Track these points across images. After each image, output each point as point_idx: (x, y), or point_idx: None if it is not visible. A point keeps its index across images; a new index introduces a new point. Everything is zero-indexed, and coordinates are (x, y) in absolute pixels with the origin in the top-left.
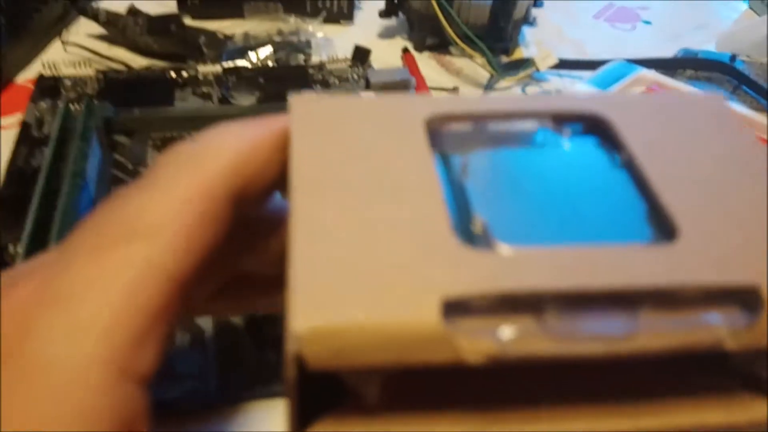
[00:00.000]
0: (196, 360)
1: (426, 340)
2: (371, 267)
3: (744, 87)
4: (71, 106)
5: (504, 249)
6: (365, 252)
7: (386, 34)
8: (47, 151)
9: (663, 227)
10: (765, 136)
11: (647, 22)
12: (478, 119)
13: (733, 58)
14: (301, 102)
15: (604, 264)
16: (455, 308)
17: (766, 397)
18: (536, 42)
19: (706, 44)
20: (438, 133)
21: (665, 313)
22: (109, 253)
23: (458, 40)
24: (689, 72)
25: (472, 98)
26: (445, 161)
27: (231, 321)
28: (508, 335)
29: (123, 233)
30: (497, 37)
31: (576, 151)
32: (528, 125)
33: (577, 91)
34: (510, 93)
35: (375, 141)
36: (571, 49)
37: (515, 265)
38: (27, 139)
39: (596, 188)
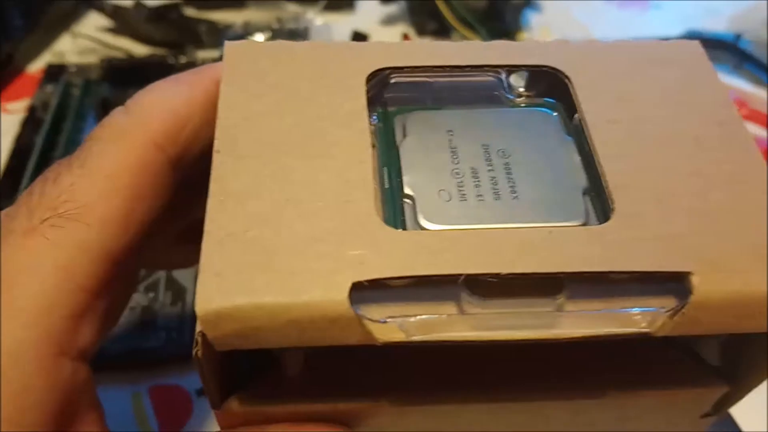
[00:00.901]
0: (175, 314)
1: (332, 322)
2: (285, 243)
3: (746, 65)
4: (73, 87)
5: (428, 228)
6: (281, 226)
7: (387, 20)
8: (44, 125)
9: (600, 205)
10: (766, 111)
11: (658, 6)
12: (427, 73)
13: (737, 37)
14: (235, 49)
15: (529, 247)
16: (368, 290)
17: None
18: (541, 25)
19: (717, 28)
20: (381, 88)
21: (590, 299)
22: (39, 238)
23: (457, 25)
24: None
25: (424, 47)
26: (384, 120)
27: None
28: (420, 320)
29: (53, 215)
30: (497, 20)
31: (528, 113)
32: (480, 81)
33: (543, 41)
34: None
35: (309, 95)
36: (578, 33)
37: (437, 246)
38: (32, 121)
39: (539, 159)
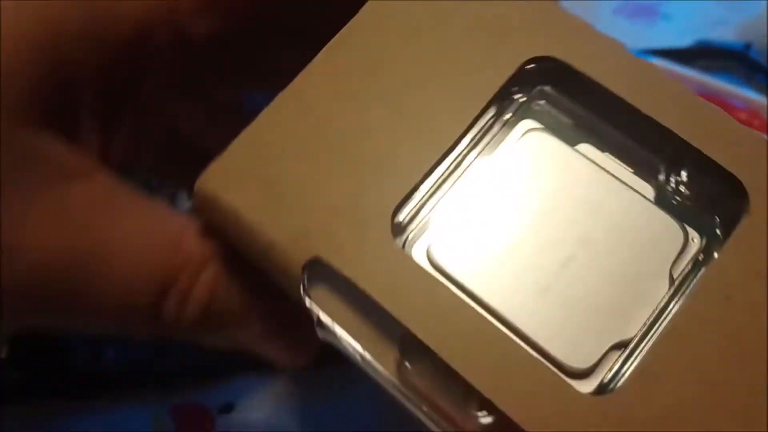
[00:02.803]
0: None
1: (280, 273)
2: (295, 185)
3: (757, 75)
4: None
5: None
6: (302, 170)
7: None
8: None
9: None
10: None
11: (667, 17)
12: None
13: (747, 46)
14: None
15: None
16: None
17: None
18: None
19: (726, 38)
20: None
21: None
22: None
23: None
24: (703, 62)
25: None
26: (482, 133)
27: None
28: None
29: None
30: None
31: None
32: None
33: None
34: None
35: (430, 66)
36: None
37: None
38: None
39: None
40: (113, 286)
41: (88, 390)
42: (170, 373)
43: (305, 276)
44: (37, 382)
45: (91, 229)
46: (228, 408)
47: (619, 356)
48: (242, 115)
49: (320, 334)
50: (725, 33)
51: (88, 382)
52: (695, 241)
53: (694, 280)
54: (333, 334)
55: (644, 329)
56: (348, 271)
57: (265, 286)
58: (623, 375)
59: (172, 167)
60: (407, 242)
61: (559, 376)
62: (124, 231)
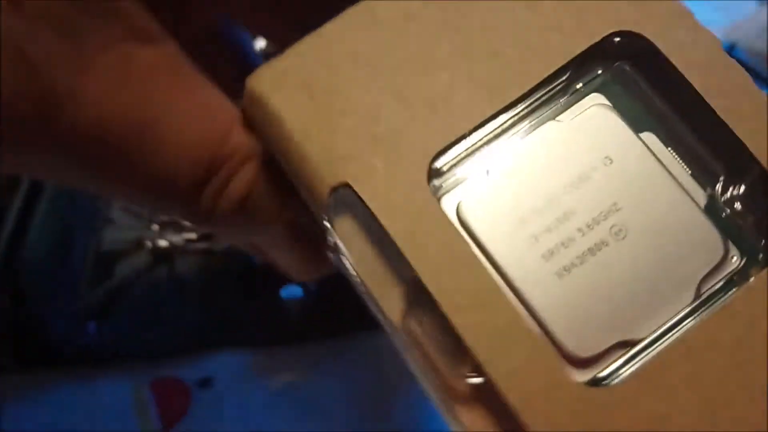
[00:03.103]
0: (175, 308)
1: (306, 176)
2: (343, 104)
3: None
4: None
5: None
6: (355, 91)
7: None
8: None
9: None
10: None
11: None
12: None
13: (731, 47)
14: None
15: None
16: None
17: None
18: None
19: None
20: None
21: None
22: None
23: None
24: None
25: None
26: (547, 97)
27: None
28: None
29: None
30: None
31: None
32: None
33: None
34: None
35: (513, 13)
36: None
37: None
38: None
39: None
40: (161, 163)
41: (68, 363)
42: (150, 347)
43: (331, 199)
44: (19, 355)
45: (152, 100)
46: (206, 383)
47: (623, 354)
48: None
49: (333, 260)
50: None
51: (69, 355)
52: (734, 260)
53: (722, 299)
54: (344, 263)
55: (656, 335)
56: (373, 204)
57: (295, 194)
58: (621, 374)
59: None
60: (441, 190)
61: (556, 359)
62: (182, 110)
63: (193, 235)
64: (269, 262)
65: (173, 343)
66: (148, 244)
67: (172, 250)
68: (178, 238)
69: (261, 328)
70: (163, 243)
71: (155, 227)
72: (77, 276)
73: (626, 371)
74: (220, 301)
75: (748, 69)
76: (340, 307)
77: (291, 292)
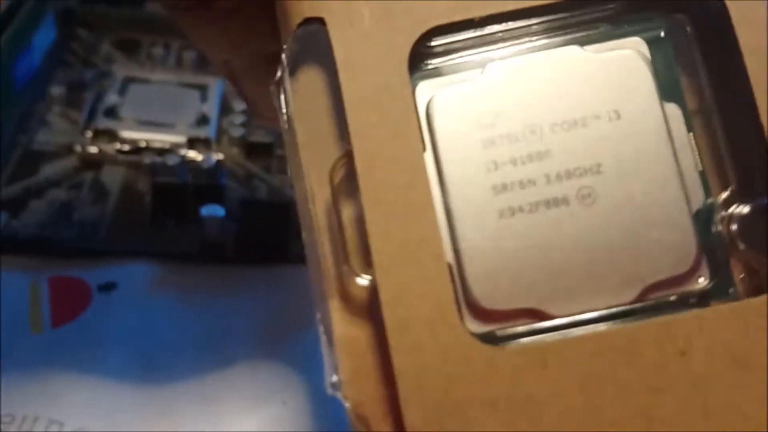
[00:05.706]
0: (94, 212)
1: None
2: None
3: None
4: None
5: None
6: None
7: None
8: None
9: None
10: None
11: None
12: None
13: None
14: None
15: None
16: None
17: None
18: None
19: None
20: None
21: None
22: None
23: None
24: None
25: None
26: (584, 22)
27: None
28: None
29: None
30: None
31: None
32: None
33: None
34: None
35: None
36: None
37: None
38: None
39: None
40: None
41: None
42: (57, 248)
43: (300, 32)
44: None
45: None
46: (109, 287)
47: (529, 324)
48: None
49: (275, 102)
50: None
51: None
52: (701, 280)
53: (665, 314)
54: (283, 108)
55: (572, 319)
56: (339, 55)
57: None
58: (518, 342)
59: None
60: (421, 72)
61: (453, 295)
62: None
63: (126, 147)
64: (241, 92)
65: (81, 247)
66: (78, 148)
67: (102, 158)
68: (109, 147)
69: (174, 243)
70: (93, 150)
71: (89, 134)
72: None
73: (525, 342)
74: (136, 213)
75: None
76: (261, 237)
77: (212, 210)
